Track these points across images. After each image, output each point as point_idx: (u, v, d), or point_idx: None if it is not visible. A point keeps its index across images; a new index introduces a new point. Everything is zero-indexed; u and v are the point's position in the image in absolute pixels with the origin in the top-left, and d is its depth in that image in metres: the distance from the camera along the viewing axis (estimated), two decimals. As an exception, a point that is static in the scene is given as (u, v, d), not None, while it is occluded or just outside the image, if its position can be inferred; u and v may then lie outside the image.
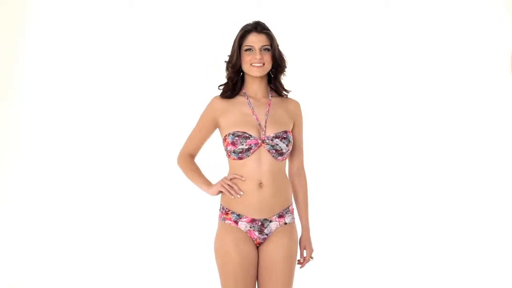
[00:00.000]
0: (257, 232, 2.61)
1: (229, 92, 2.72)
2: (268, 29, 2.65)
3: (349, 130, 4.59)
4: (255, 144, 2.59)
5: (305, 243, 2.77)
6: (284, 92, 2.73)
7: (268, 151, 2.59)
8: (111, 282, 4.44)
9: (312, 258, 2.79)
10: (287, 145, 2.61)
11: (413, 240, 4.57)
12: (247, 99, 2.69)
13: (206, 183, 2.70)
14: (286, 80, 2.76)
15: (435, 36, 4.59)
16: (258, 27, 2.63)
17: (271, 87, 2.73)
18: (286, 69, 2.71)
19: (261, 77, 2.67)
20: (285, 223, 2.65)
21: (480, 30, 4.59)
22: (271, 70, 2.68)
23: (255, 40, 2.61)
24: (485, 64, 4.59)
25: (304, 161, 2.81)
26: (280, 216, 2.63)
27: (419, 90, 4.61)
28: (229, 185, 2.60)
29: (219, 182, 2.64)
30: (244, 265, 2.58)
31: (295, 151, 2.74)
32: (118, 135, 4.55)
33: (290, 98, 2.76)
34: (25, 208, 4.51)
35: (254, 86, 2.69)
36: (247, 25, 2.66)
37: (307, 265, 2.80)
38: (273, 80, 2.71)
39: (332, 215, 4.53)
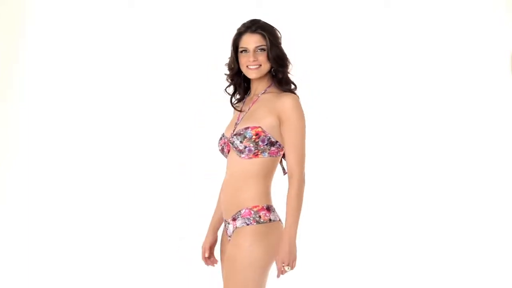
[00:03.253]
0: (226, 233, 2.61)
1: (238, 95, 2.70)
2: (263, 27, 2.56)
3: (348, 130, 4.59)
4: (224, 144, 2.59)
5: (280, 248, 2.46)
6: (285, 87, 2.58)
7: (233, 149, 2.54)
8: (111, 282, 4.44)
9: (285, 268, 2.44)
10: (241, 142, 2.48)
11: (413, 241, 4.57)
12: (245, 98, 2.69)
13: None
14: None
15: (435, 36, 4.59)
16: (253, 27, 2.56)
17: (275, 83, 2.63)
18: (289, 67, 2.59)
19: (260, 77, 2.60)
20: (236, 227, 2.52)
21: (480, 30, 4.58)
22: (272, 68, 2.59)
23: (249, 41, 2.55)
24: (485, 64, 4.59)
25: (308, 162, 2.68)
26: (234, 219, 2.53)
27: (419, 90, 4.61)
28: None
29: None
30: (223, 263, 2.61)
31: (286, 152, 2.51)
32: (118, 135, 4.55)
33: (286, 93, 2.56)
34: (25, 208, 4.50)
35: (254, 85, 2.65)
36: (242, 25, 2.60)
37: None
38: (274, 77, 2.61)
39: (332, 216, 4.53)
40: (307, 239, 4.45)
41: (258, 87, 2.63)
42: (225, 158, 2.64)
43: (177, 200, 4.51)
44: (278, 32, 2.62)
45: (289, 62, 2.60)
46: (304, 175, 2.49)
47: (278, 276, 2.46)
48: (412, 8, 4.59)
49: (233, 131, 2.56)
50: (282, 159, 2.61)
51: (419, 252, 4.55)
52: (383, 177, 4.59)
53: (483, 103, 4.60)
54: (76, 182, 4.53)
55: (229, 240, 2.57)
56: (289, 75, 2.61)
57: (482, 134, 4.60)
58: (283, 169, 2.62)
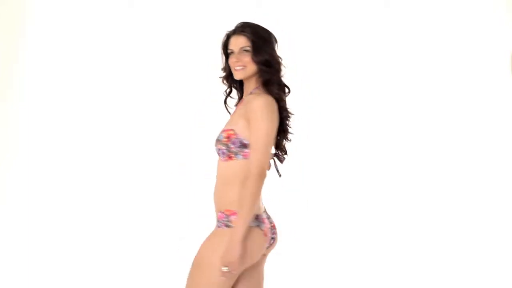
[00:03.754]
0: None
1: (238, 95, 2.73)
2: (250, 29, 2.58)
3: (348, 130, 4.59)
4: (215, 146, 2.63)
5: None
6: (270, 88, 2.57)
7: None
8: (111, 282, 4.44)
9: (223, 268, 2.40)
10: (216, 145, 2.55)
11: (413, 241, 4.57)
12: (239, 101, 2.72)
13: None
14: (286, 80, 2.68)
15: (435, 36, 4.59)
16: (239, 29, 2.59)
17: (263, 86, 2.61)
18: (280, 70, 2.59)
19: (248, 78, 2.60)
20: (218, 226, 2.55)
21: (480, 30, 4.59)
22: (262, 70, 2.57)
23: (234, 43, 2.58)
24: (485, 64, 4.59)
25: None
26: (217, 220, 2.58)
27: (419, 90, 4.61)
28: None
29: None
30: None
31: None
32: (118, 135, 4.55)
33: (259, 95, 2.53)
34: (25, 208, 4.50)
35: (245, 87, 2.65)
36: (231, 29, 2.63)
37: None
38: (262, 81, 2.59)
39: (331, 216, 4.53)
40: (307, 238, 4.48)
41: (248, 89, 2.63)
42: None
43: (177, 200, 4.51)
44: (273, 36, 2.62)
45: (279, 64, 2.59)
46: (262, 176, 2.42)
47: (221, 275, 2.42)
48: (412, 8, 4.59)
49: None
50: (275, 161, 2.63)
51: (418, 252, 4.55)
52: (383, 176, 4.59)
53: (483, 103, 4.61)
54: (76, 182, 4.53)
55: None
56: (283, 78, 2.61)
57: (482, 134, 4.60)
58: (277, 171, 2.63)
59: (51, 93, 4.55)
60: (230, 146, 2.50)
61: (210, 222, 2.86)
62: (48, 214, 4.50)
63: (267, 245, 2.57)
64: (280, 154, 2.65)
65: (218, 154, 2.55)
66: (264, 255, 2.62)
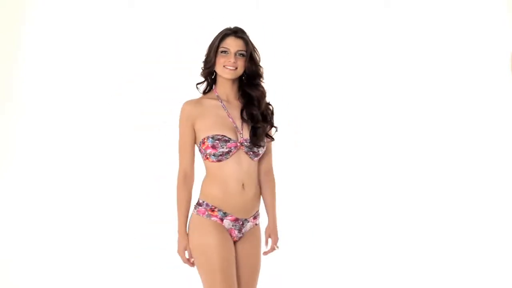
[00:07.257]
0: (237, 230, 2.73)
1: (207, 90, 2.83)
2: (247, 37, 2.72)
3: (349, 131, 4.59)
4: (235, 147, 2.68)
5: (271, 232, 2.84)
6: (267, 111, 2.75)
7: (246, 153, 2.68)
8: (110, 283, 4.44)
9: (277, 247, 2.83)
10: (263, 147, 2.71)
11: (412, 241, 4.57)
12: (221, 102, 2.76)
13: (183, 231, 2.75)
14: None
15: (435, 36, 4.60)
16: (238, 32, 2.71)
17: (244, 90, 2.77)
18: (261, 78, 2.75)
19: (233, 80, 2.73)
20: (256, 224, 2.79)
21: (480, 30, 4.59)
22: (243, 75, 2.74)
23: (232, 44, 2.68)
24: (485, 64, 4.59)
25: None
26: (255, 217, 2.77)
27: (419, 90, 4.61)
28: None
29: (182, 255, 2.75)
30: (230, 260, 2.67)
31: (265, 151, 2.77)
32: (117, 135, 4.55)
33: None
34: (24, 210, 4.50)
35: (227, 89, 2.75)
36: (227, 28, 2.73)
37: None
38: (245, 86, 2.75)
39: (329, 215, 4.54)
40: (306, 238, 4.48)
41: (231, 91, 2.76)
42: (216, 160, 2.73)
43: (173, 202, 4.50)
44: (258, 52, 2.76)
45: (260, 77, 2.76)
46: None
47: (266, 254, 2.82)
48: (412, 8, 4.60)
49: (242, 135, 2.69)
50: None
51: (417, 252, 4.55)
52: (384, 176, 4.60)
53: (483, 103, 4.61)
54: (74, 181, 4.53)
55: (238, 236, 2.74)
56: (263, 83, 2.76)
57: (482, 134, 4.60)
58: None
59: (50, 93, 4.55)
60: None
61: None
62: (48, 216, 4.50)
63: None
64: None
65: (258, 154, 2.70)
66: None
